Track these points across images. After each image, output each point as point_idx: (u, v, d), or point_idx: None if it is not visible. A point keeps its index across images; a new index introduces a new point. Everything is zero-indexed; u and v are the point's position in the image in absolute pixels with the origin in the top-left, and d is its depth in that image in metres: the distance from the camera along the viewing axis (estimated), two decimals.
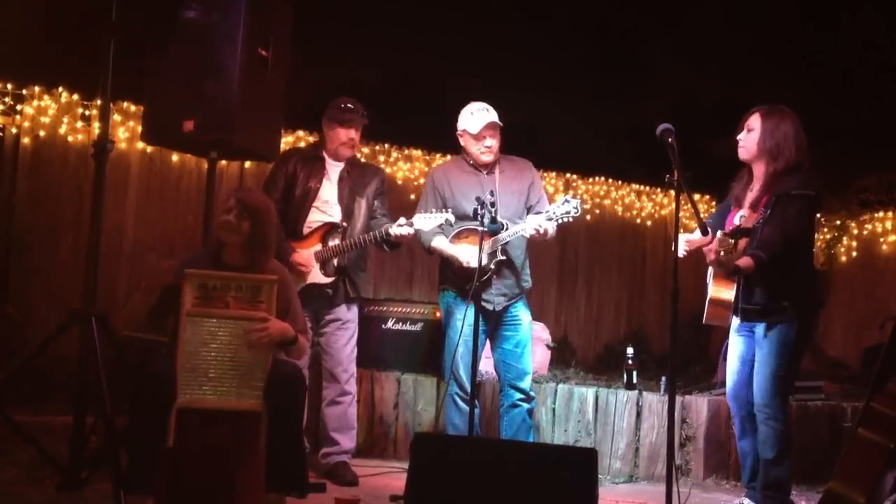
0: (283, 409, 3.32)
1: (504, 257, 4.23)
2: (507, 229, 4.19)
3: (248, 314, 3.31)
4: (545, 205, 4.40)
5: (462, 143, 4.41)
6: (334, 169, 4.46)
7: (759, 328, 3.83)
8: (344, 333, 4.43)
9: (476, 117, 4.29)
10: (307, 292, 4.29)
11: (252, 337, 3.27)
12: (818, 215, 8.00)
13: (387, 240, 4.28)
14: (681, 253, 3.91)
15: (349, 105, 4.42)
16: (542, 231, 4.15)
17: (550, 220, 4.14)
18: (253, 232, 3.53)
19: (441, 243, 4.31)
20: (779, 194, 3.75)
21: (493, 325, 4.33)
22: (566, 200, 4.15)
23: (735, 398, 3.98)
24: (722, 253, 3.66)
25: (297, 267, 4.26)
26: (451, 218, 4.18)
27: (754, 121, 3.88)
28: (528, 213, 4.37)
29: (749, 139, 3.89)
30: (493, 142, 4.31)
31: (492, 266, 4.18)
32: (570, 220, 4.16)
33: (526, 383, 4.33)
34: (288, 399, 3.37)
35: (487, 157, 4.33)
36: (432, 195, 4.39)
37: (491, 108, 4.32)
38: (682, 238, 3.91)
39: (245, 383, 3.27)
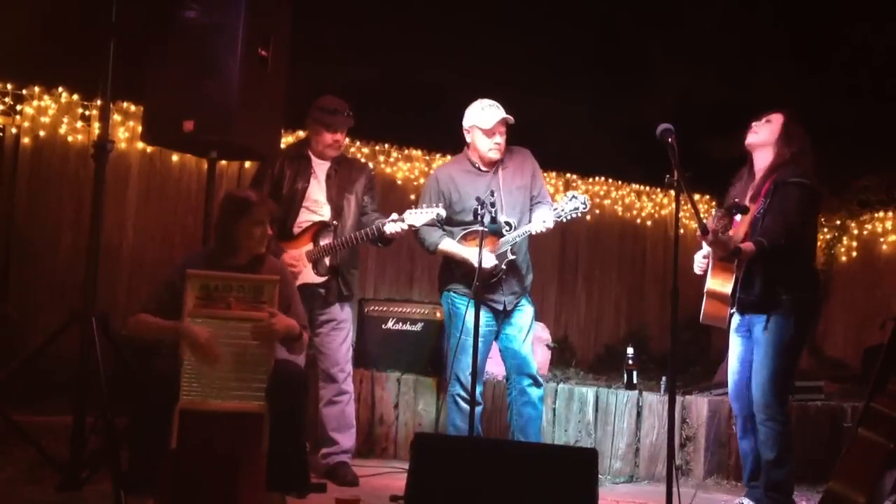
0: (285, 410, 3.32)
1: (514, 256, 4.23)
2: (514, 229, 4.19)
3: (250, 315, 3.31)
4: (546, 195, 4.41)
5: (469, 139, 4.35)
6: (321, 168, 4.43)
7: (757, 327, 3.85)
8: (339, 333, 4.42)
9: (488, 113, 4.24)
10: (300, 293, 4.29)
11: (259, 331, 3.27)
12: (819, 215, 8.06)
13: (380, 237, 4.27)
14: (697, 270, 3.95)
15: (334, 107, 4.36)
16: (548, 227, 4.16)
17: (559, 217, 4.15)
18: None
19: (450, 245, 4.29)
20: (777, 182, 3.82)
21: (499, 320, 4.32)
22: (574, 197, 4.14)
23: (737, 399, 3.99)
24: (720, 232, 3.66)
25: (287, 266, 4.25)
26: (442, 212, 4.15)
27: (776, 118, 3.96)
28: (531, 203, 4.37)
29: (764, 128, 3.96)
30: (501, 139, 4.28)
31: (503, 266, 4.18)
32: (579, 216, 4.16)
33: (533, 368, 4.32)
34: (290, 399, 3.36)
35: (495, 155, 4.29)
36: (435, 196, 4.34)
37: (500, 105, 4.28)
38: (698, 256, 3.96)
39: (248, 385, 3.28)
